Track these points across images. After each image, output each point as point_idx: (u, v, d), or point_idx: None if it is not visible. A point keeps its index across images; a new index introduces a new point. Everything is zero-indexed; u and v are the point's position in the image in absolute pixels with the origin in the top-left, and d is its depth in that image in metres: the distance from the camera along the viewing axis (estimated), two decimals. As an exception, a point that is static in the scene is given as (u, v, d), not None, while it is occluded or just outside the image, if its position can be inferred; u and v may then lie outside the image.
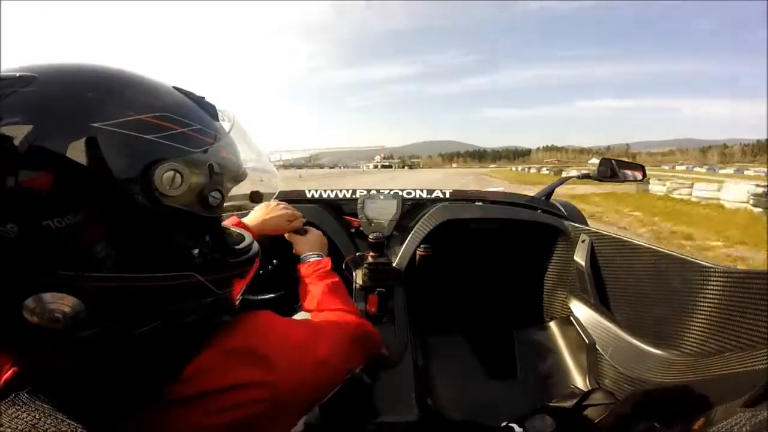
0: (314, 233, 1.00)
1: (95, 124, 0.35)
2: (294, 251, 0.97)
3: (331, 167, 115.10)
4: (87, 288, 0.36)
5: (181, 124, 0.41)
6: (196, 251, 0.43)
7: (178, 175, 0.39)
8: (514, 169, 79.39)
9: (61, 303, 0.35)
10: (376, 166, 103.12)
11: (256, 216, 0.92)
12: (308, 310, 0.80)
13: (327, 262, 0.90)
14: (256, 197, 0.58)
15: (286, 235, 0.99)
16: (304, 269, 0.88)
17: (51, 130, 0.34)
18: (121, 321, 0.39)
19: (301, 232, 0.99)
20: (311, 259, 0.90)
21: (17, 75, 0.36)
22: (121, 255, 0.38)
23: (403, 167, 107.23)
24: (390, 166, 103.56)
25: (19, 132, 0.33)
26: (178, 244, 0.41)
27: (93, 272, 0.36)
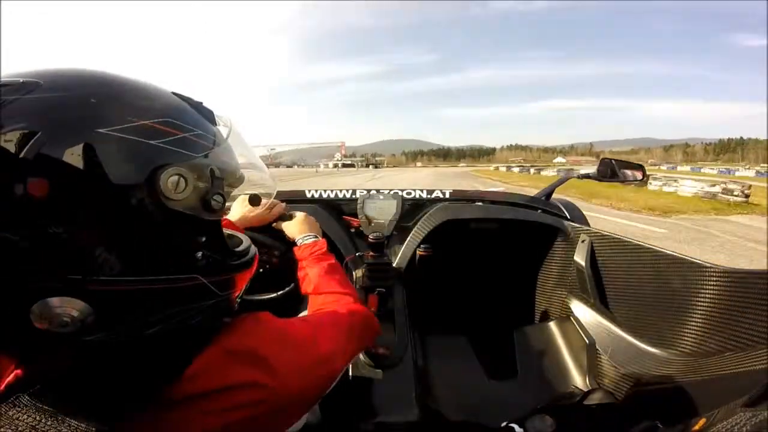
0: (301, 215, 0.98)
1: (101, 130, 0.35)
2: (287, 238, 0.96)
3: (288, 166, 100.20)
4: (94, 292, 0.36)
5: (183, 129, 0.41)
6: (200, 254, 0.43)
7: (182, 179, 0.39)
8: (502, 168, 56.83)
9: (69, 307, 0.35)
10: (336, 165, 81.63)
11: (237, 212, 0.93)
12: (306, 293, 0.80)
13: (323, 244, 0.89)
14: (254, 200, 0.58)
15: (273, 225, 0.98)
16: (299, 252, 0.87)
17: (58, 137, 0.34)
18: (128, 324, 0.39)
19: (286, 217, 0.98)
20: (307, 241, 0.89)
21: (21, 81, 0.36)
22: (127, 258, 0.38)
23: (368, 166, 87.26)
24: (352, 165, 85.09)
25: (24, 138, 0.33)
26: (182, 247, 0.42)
27: (100, 276, 0.36)
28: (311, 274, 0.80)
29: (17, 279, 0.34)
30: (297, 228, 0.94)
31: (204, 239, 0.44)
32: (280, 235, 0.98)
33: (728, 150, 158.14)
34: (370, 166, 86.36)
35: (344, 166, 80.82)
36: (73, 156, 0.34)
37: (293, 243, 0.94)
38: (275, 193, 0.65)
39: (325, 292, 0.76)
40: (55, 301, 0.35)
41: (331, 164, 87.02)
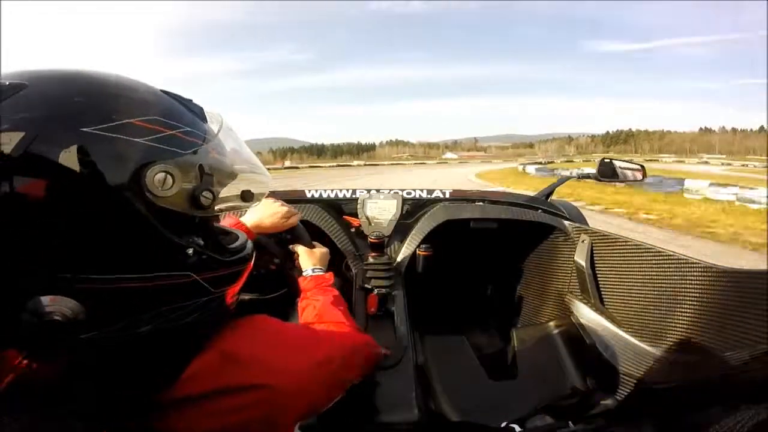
0: (322, 249, 1.00)
1: (85, 129, 0.36)
2: (297, 263, 0.97)
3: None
4: (85, 290, 0.36)
5: (170, 126, 0.42)
6: (191, 251, 0.43)
7: (169, 176, 0.39)
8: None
9: (60, 305, 0.35)
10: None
11: (253, 215, 0.93)
12: (307, 323, 0.79)
13: (330, 277, 0.91)
14: (247, 196, 0.58)
15: (291, 247, 1.00)
16: (305, 283, 0.88)
17: (42, 137, 0.34)
18: (120, 322, 0.39)
19: (308, 245, 0.99)
20: (316, 273, 0.90)
21: (7, 83, 0.36)
22: (116, 256, 0.38)
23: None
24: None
25: (11, 139, 0.33)
26: (172, 245, 0.42)
27: (90, 274, 0.36)
28: (315, 304, 0.80)
29: (8, 277, 0.34)
30: (311, 260, 0.94)
31: (195, 236, 0.44)
32: (284, 244, 0.99)
33: (618, 142, 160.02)
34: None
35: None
36: (59, 156, 0.34)
37: (293, 254, 0.95)
38: (269, 191, 0.64)
39: (327, 321, 0.76)
40: (46, 299, 0.35)
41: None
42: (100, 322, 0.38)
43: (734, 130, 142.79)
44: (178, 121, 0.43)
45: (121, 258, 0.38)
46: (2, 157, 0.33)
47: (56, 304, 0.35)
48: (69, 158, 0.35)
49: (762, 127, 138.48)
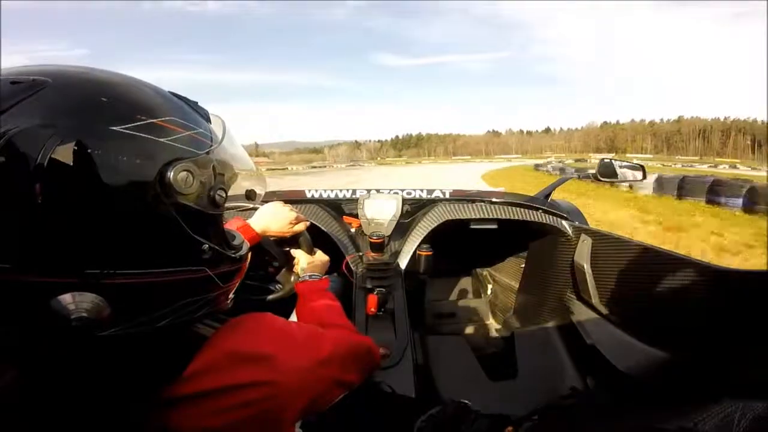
0: (322, 257, 1.01)
1: (114, 128, 0.37)
2: (295, 267, 0.97)
3: None
4: (111, 285, 0.37)
5: (186, 127, 0.43)
6: (206, 246, 0.44)
7: (190, 175, 0.41)
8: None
9: (82, 302, 0.36)
10: None
11: (261, 218, 0.94)
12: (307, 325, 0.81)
13: (326, 282, 0.91)
14: (252, 195, 0.60)
15: (292, 251, 1.00)
16: (302, 287, 0.89)
17: (72, 134, 0.35)
18: (140, 317, 0.40)
19: (309, 251, 1.00)
20: (313, 279, 0.91)
21: (31, 79, 0.36)
22: (143, 251, 0.39)
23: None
24: None
25: (39, 136, 0.33)
26: (191, 240, 0.43)
27: (119, 269, 0.37)
28: (313, 308, 0.81)
29: (38, 273, 0.34)
30: (311, 264, 0.95)
31: (209, 232, 0.45)
32: (284, 248, 1.00)
33: (409, 145, 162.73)
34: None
35: None
36: (89, 153, 0.35)
37: (292, 258, 0.95)
38: (264, 192, 0.66)
39: (326, 324, 0.76)
40: (67, 297, 0.35)
41: None
42: (124, 318, 0.39)
43: (521, 131, 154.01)
44: (192, 123, 0.44)
45: (148, 253, 0.39)
46: (31, 153, 0.33)
47: (77, 301, 0.36)
48: (98, 155, 0.35)
49: (548, 128, 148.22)
